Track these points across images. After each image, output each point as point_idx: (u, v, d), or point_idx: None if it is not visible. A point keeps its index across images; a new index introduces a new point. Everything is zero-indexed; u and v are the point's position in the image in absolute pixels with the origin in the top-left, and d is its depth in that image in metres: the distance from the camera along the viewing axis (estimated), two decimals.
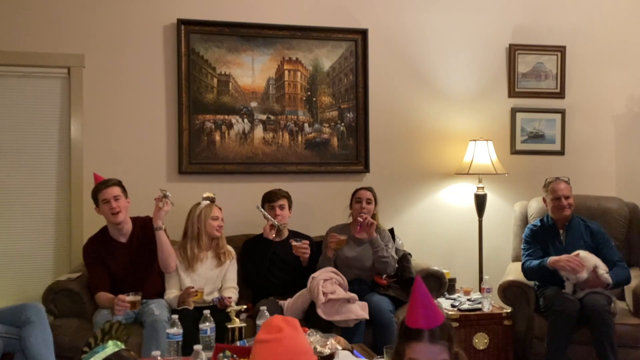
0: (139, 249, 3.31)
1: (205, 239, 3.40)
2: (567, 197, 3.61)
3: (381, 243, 3.53)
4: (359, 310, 3.17)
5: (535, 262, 3.51)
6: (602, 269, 3.34)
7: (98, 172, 3.43)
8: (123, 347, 1.87)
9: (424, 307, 1.60)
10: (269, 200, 3.64)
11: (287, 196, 3.68)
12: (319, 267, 3.52)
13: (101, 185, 3.25)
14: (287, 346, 1.85)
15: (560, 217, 3.63)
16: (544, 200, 3.75)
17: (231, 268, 3.46)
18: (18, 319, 2.87)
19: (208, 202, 3.45)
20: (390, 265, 3.53)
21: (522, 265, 3.60)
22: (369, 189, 3.69)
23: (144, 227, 3.34)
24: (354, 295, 3.20)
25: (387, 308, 3.30)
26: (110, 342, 1.85)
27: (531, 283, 3.62)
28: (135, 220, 3.37)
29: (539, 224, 3.72)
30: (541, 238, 3.66)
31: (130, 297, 3.00)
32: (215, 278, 3.39)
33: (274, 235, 3.52)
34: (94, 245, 3.28)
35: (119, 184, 3.29)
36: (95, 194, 3.26)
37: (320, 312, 3.11)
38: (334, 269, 3.35)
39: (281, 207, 3.61)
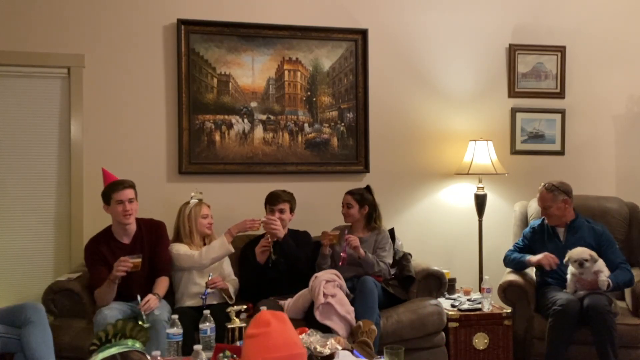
0: (141, 251, 3.29)
1: (197, 237, 3.47)
2: (545, 208, 3.61)
3: (371, 260, 3.48)
4: (344, 332, 3.05)
5: (517, 255, 3.66)
6: (605, 274, 3.34)
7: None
8: (139, 348, 1.81)
9: None
10: (270, 202, 3.63)
11: (290, 199, 3.66)
12: (317, 264, 3.55)
13: (118, 185, 3.25)
14: (276, 339, 1.93)
15: (553, 224, 3.65)
16: None
17: (226, 262, 3.54)
18: (18, 319, 2.87)
19: (196, 201, 3.49)
20: (383, 275, 3.53)
21: (506, 254, 3.75)
22: (351, 193, 3.68)
23: (148, 230, 3.35)
24: (352, 313, 3.15)
25: (373, 281, 3.32)
26: (129, 340, 1.80)
27: (530, 282, 3.63)
28: (139, 222, 3.37)
29: (540, 223, 3.74)
30: (540, 237, 3.68)
31: (133, 259, 3.03)
32: (213, 270, 3.42)
33: (264, 262, 3.49)
34: (97, 244, 3.27)
35: (133, 186, 3.30)
36: (109, 193, 3.25)
37: (317, 313, 3.09)
38: (336, 272, 3.33)
39: (281, 211, 3.60)
